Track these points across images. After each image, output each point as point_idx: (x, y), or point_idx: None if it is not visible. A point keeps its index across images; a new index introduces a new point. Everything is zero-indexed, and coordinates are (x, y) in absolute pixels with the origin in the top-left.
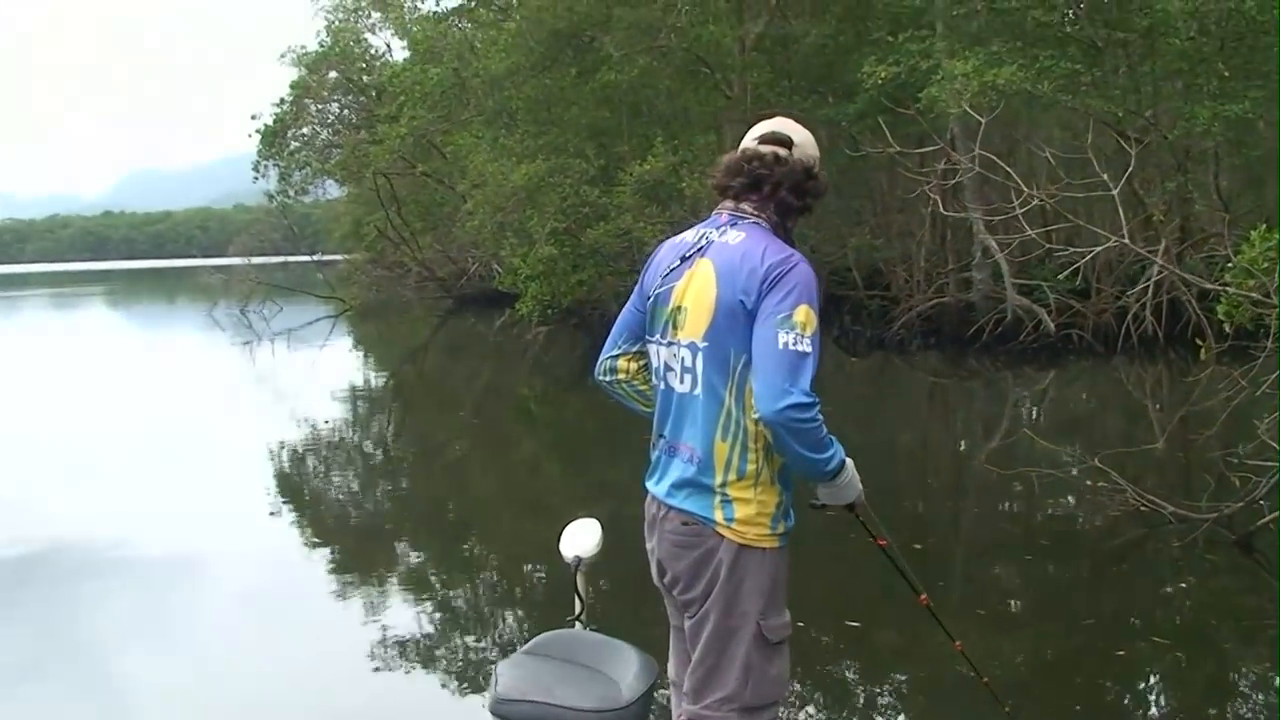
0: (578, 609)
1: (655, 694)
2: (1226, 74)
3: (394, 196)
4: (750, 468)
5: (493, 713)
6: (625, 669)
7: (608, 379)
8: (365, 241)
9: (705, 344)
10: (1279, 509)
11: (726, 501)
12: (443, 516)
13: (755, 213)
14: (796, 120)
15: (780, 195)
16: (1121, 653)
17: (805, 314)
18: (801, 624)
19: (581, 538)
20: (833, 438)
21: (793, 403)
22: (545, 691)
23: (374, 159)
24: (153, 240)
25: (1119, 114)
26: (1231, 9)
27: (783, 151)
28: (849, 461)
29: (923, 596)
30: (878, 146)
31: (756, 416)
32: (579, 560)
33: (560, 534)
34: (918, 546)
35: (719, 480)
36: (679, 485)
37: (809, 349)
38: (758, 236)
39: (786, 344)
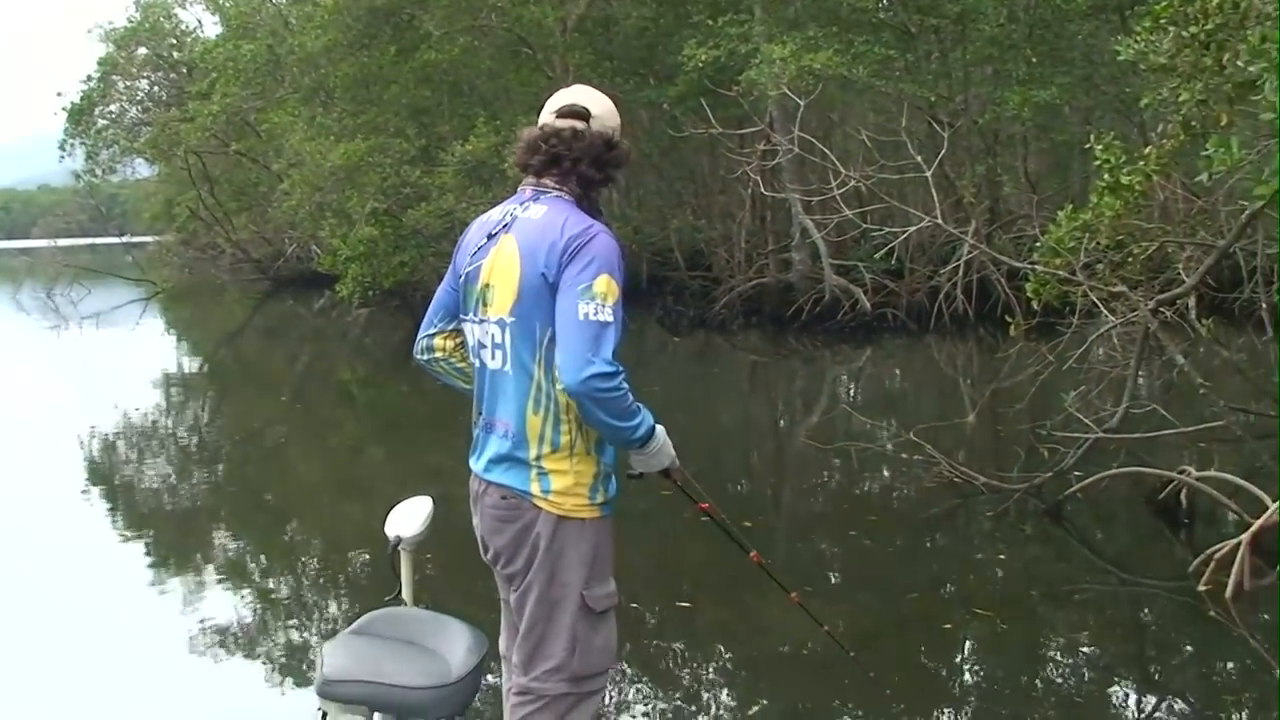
0: (398, 589)
1: (486, 668)
2: (1034, 60)
3: (206, 176)
4: (564, 439)
5: (320, 694)
6: (454, 644)
7: (425, 358)
8: (177, 222)
9: (512, 319)
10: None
11: (543, 474)
12: (262, 503)
13: (557, 186)
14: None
15: (580, 170)
16: (948, 626)
17: (606, 284)
18: (635, 605)
19: (407, 517)
20: (640, 405)
21: (595, 372)
22: (373, 670)
23: (185, 137)
24: None
25: (931, 98)
26: None
27: (580, 125)
28: (660, 428)
29: (753, 554)
30: (699, 128)
31: (560, 387)
32: (399, 539)
33: (387, 514)
34: (747, 524)
35: (534, 453)
36: (496, 460)
37: (610, 318)
38: (558, 209)
39: (587, 314)
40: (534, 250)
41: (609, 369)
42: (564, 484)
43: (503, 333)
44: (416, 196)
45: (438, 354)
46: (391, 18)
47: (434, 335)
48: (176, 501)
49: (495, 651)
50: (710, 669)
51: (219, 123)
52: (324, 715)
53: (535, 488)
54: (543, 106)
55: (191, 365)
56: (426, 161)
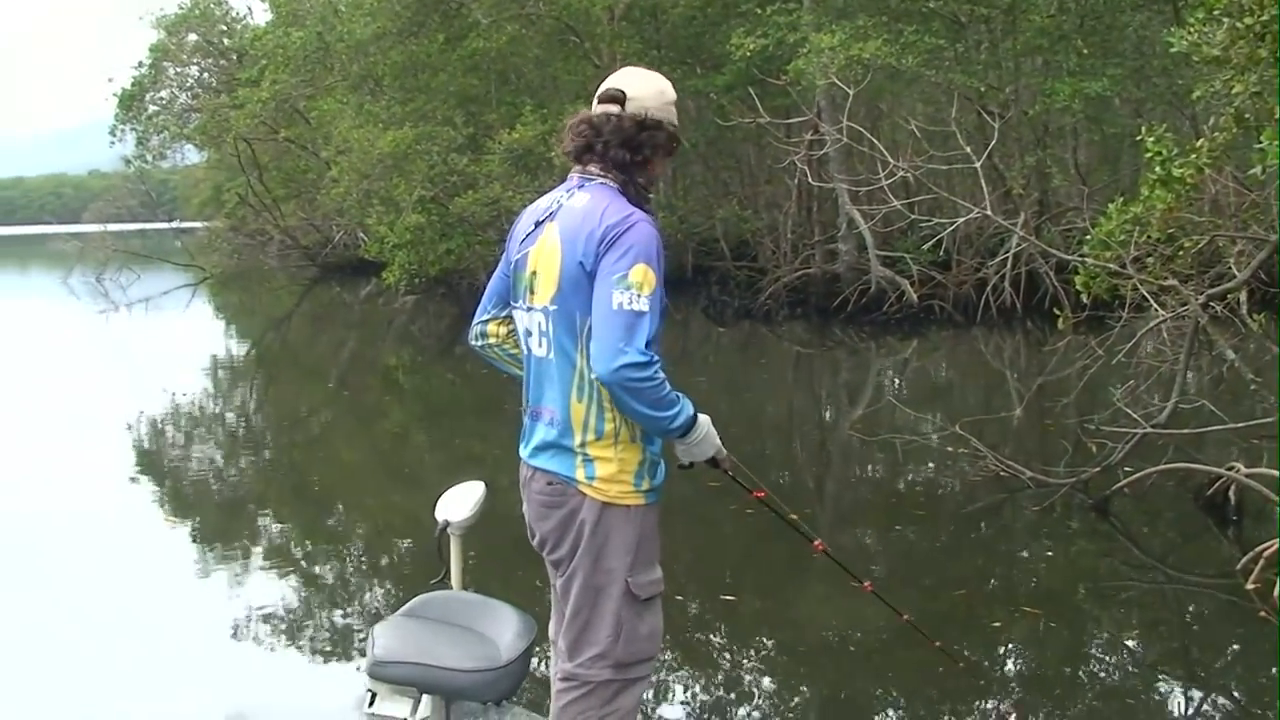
0: (443, 572)
1: (534, 653)
2: (1085, 51)
3: (255, 162)
4: (609, 426)
5: (370, 675)
6: (504, 628)
7: (479, 344)
8: (226, 208)
9: (554, 308)
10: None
11: (588, 460)
12: (308, 488)
13: (601, 173)
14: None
15: (612, 153)
16: (996, 623)
17: (642, 273)
18: (679, 596)
19: (457, 501)
20: (680, 395)
21: (627, 361)
22: (423, 652)
23: (235, 124)
24: (3, 207)
25: (981, 89)
26: None
27: (614, 109)
28: (703, 418)
29: (817, 542)
30: (746, 118)
31: (593, 376)
32: (448, 523)
33: (438, 497)
34: (792, 516)
35: (578, 440)
36: (542, 447)
37: (645, 308)
38: (600, 197)
39: (621, 304)
40: (574, 239)
41: (642, 358)
42: (608, 471)
43: (547, 321)
44: (463, 184)
45: (491, 340)
46: (440, 5)
47: (487, 321)
48: (224, 486)
49: (544, 636)
50: (758, 658)
51: (268, 110)
52: (373, 696)
53: (580, 474)
54: (590, 95)
55: (239, 351)
56: (474, 150)
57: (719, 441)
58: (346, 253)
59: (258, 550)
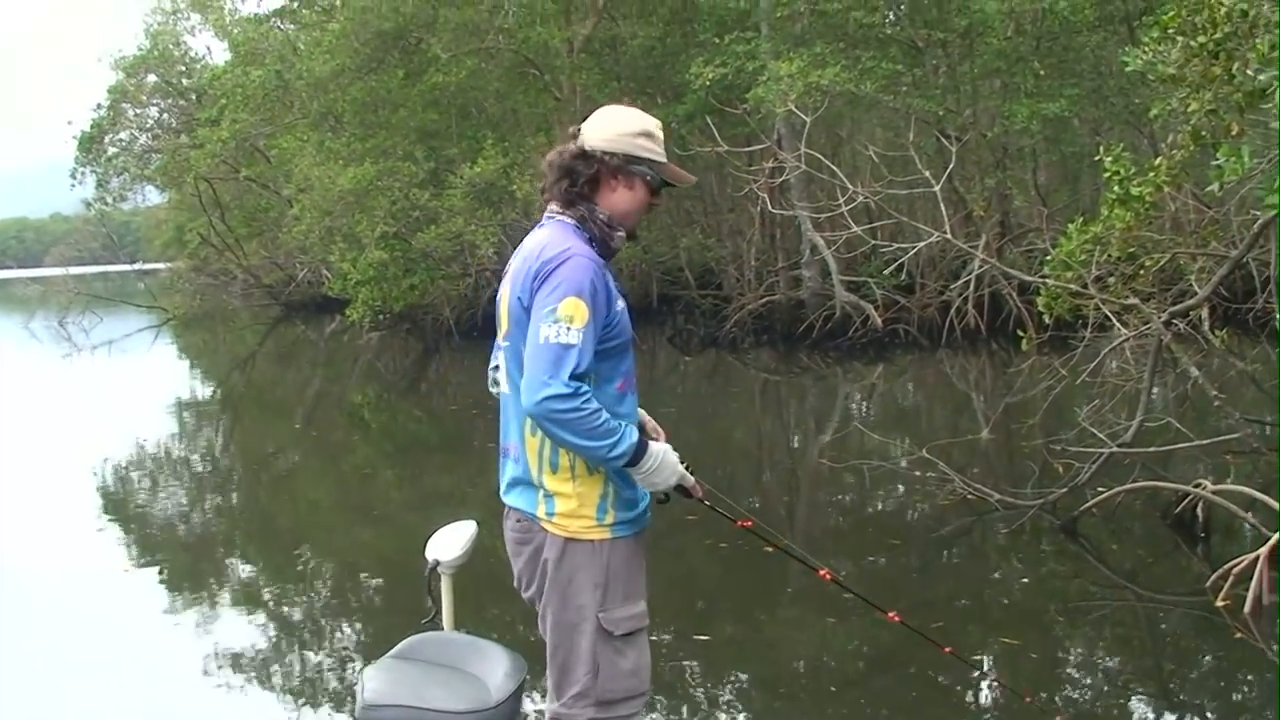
0: (433, 613)
1: (526, 692)
2: (1042, 73)
3: (217, 202)
4: (563, 460)
5: (360, 719)
6: (494, 669)
7: (494, 389)
8: (188, 249)
9: (507, 344)
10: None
11: (548, 496)
12: (273, 530)
13: (560, 210)
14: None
15: (559, 188)
16: (953, 637)
17: (572, 306)
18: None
19: (448, 541)
20: (620, 425)
21: (551, 393)
22: (413, 694)
23: (195, 163)
24: None
25: (940, 113)
26: (1045, 9)
27: (571, 145)
28: (658, 445)
29: (823, 571)
30: (707, 146)
31: (523, 407)
32: (437, 563)
33: (429, 536)
34: (768, 550)
35: (537, 475)
36: (511, 484)
37: (574, 340)
38: (547, 234)
39: (549, 337)
40: (516, 276)
41: (566, 390)
42: (568, 506)
43: (505, 358)
44: (426, 219)
45: (502, 386)
46: (399, 41)
47: (495, 367)
48: (190, 529)
49: (540, 675)
50: (737, 694)
51: (228, 149)
52: None
53: (542, 510)
54: (551, 127)
55: (204, 392)
56: (435, 184)
57: (681, 468)
58: (310, 290)
59: (226, 594)
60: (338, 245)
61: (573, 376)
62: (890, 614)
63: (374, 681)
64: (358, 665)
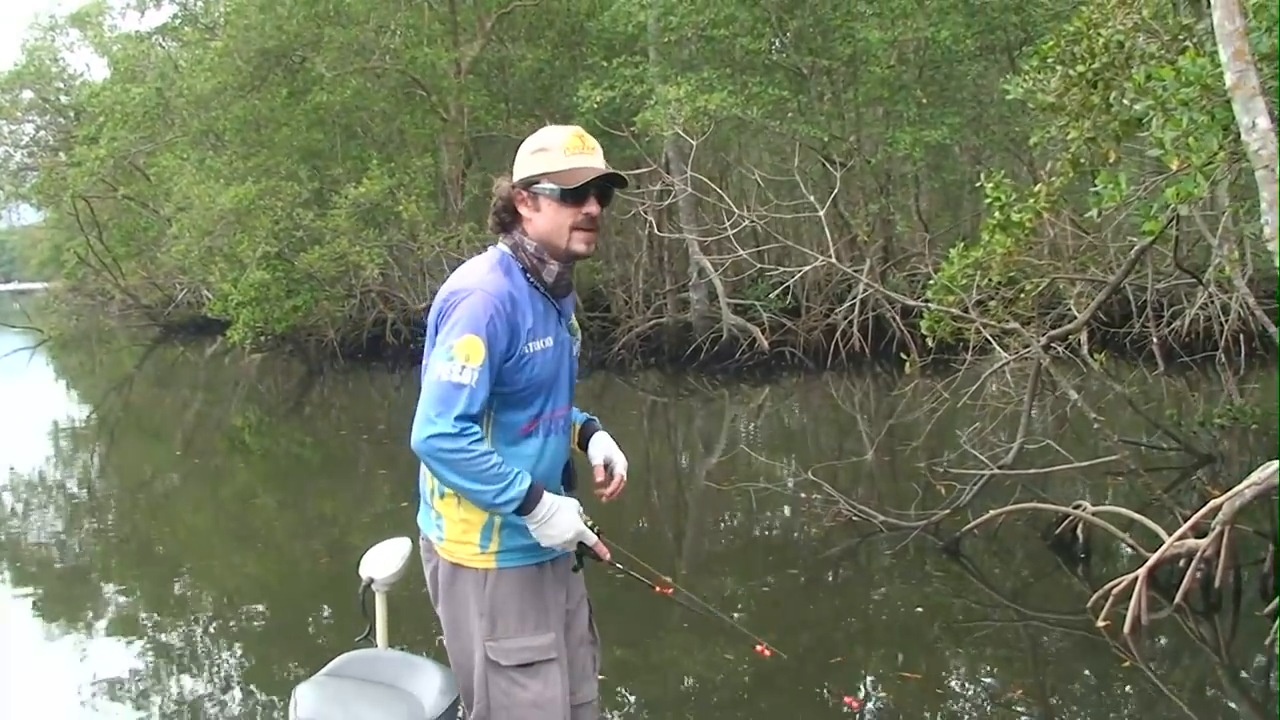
0: (367, 630)
1: (460, 710)
2: (925, 101)
3: (95, 221)
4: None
5: None
6: (428, 686)
7: None
8: (65, 269)
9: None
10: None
11: (439, 517)
12: (151, 555)
13: (501, 239)
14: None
15: (492, 225)
16: (838, 659)
17: (468, 344)
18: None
19: (382, 558)
20: (516, 471)
21: (436, 432)
22: (346, 712)
23: (73, 182)
24: None
25: (825, 139)
26: (928, 39)
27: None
28: (554, 498)
29: (760, 646)
30: None
31: (412, 444)
32: (371, 581)
33: (363, 554)
34: (713, 610)
35: (430, 497)
36: (420, 503)
37: (467, 380)
38: (469, 264)
39: (440, 375)
40: (435, 305)
41: (452, 429)
42: (455, 531)
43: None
44: (309, 240)
45: None
46: (283, 60)
47: None
48: (67, 556)
49: None
50: None
51: (106, 167)
52: None
53: (434, 533)
54: (438, 148)
55: (80, 414)
56: (319, 204)
57: (583, 526)
58: (190, 311)
59: (102, 624)
60: (218, 265)
61: (463, 416)
62: (848, 699)
63: (307, 699)
64: (252, 689)
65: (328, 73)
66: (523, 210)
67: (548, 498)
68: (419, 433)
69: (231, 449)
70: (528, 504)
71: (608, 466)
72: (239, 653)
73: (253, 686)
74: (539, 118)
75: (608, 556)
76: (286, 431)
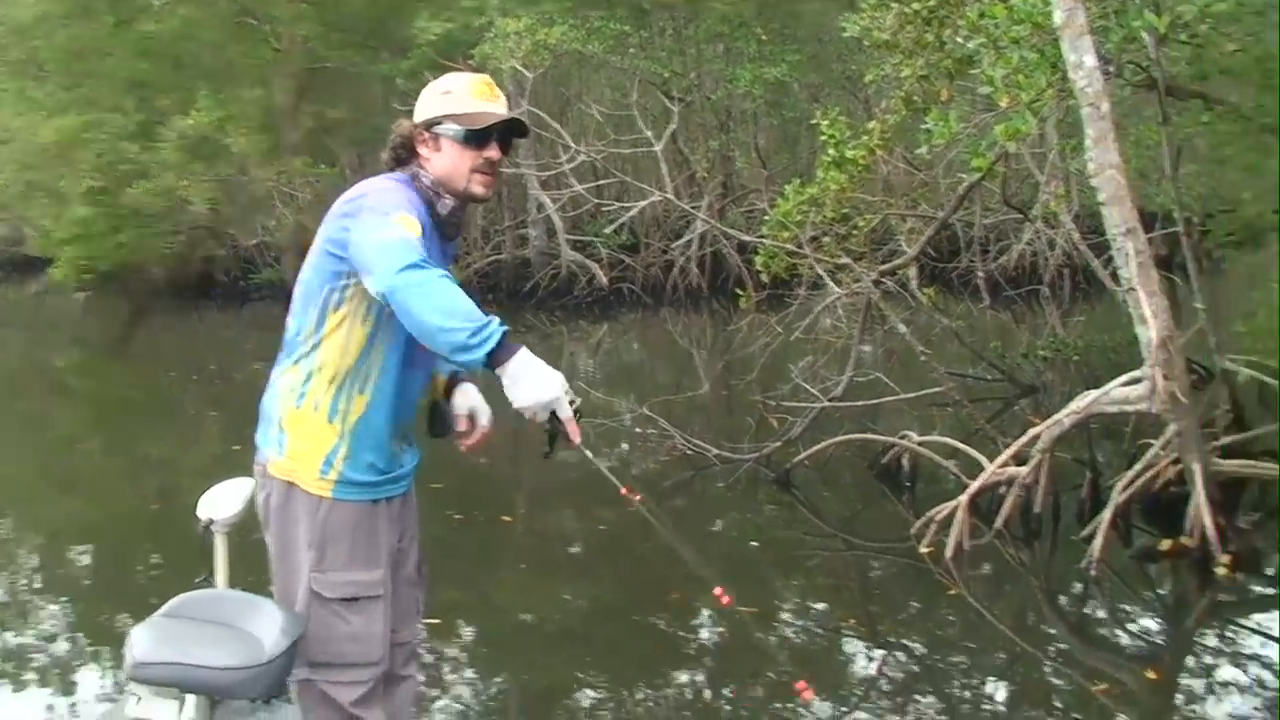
0: (207, 572)
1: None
2: (765, 38)
3: None
4: (310, 400)
5: (131, 678)
6: (268, 625)
7: None
8: None
9: (299, 285)
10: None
11: (281, 432)
12: None
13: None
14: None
15: (386, 161)
16: (676, 595)
17: (404, 220)
18: None
19: (223, 498)
20: (491, 316)
21: (408, 264)
22: (183, 652)
23: None
24: None
25: (665, 75)
26: None
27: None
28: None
29: (720, 592)
30: None
31: (378, 290)
32: (211, 521)
33: (199, 495)
34: (496, 513)
35: (280, 408)
36: (262, 422)
37: (416, 236)
38: (367, 181)
39: (386, 235)
40: (326, 222)
41: (421, 263)
42: (298, 447)
43: (295, 297)
44: (135, 174)
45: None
46: None
47: None
48: None
49: None
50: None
51: None
52: (137, 699)
53: (274, 450)
54: (269, 80)
55: None
56: (145, 137)
57: (562, 392)
58: (11, 249)
59: None
60: (40, 201)
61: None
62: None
63: (141, 640)
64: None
65: (155, 1)
66: (422, 150)
67: (525, 350)
68: (388, 269)
69: (54, 391)
70: (502, 352)
71: (471, 417)
72: (67, 601)
73: (82, 635)
74: (374, 49)
75: (578, 440)
76: (112, 373)
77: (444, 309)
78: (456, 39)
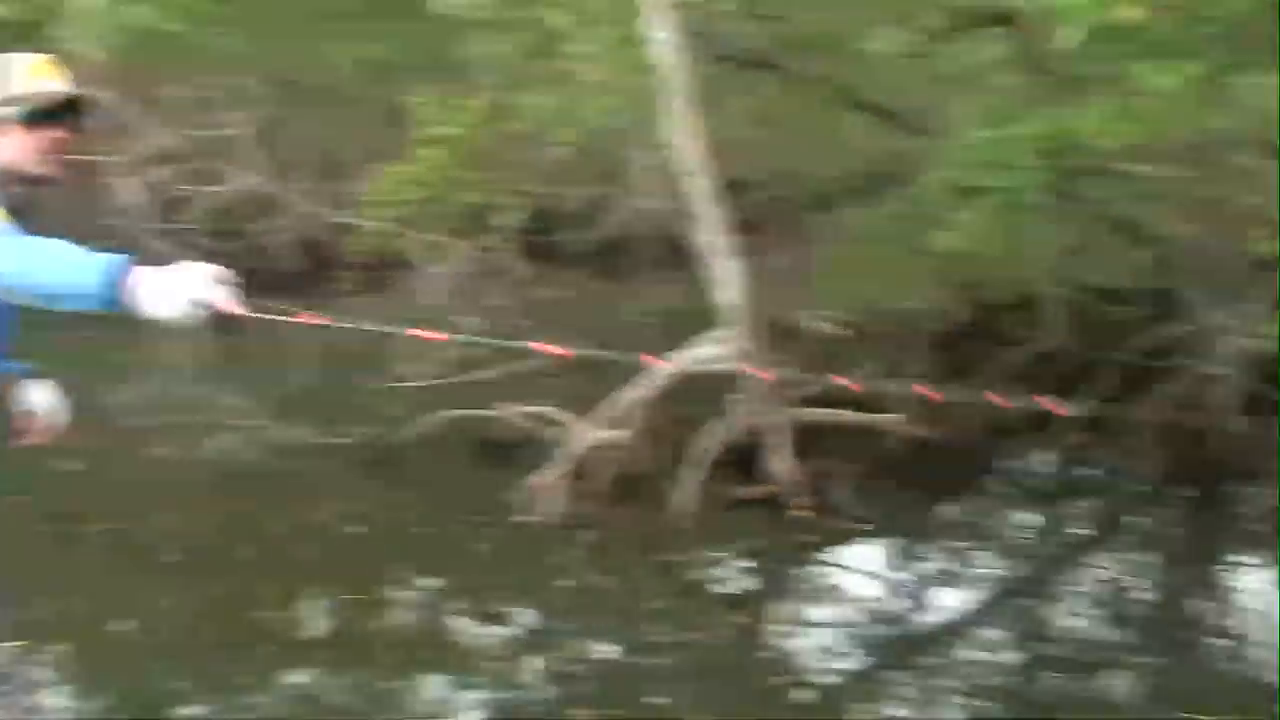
0: None
1: None
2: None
3: None
4: None
5: None
6: None
7: None
8: None
9: None
10: None
11: None
12: None
13: None
14: None
15: None
16: (284, 591)
17: None
18: None
19: None
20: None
21: None
22: None
23: None
24: None
25: (259, 55)
26: None
27: None
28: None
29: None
30: None
31: None
32: None
33: None
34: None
35: None
36: None
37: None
38: None
39: None
40: None
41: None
42: None
43: None
44: None
45: None
46: None
47: None
48: None
49: None
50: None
51: None
52: None
53: None
54: None
55: None
56: None
57: (203, 279)
58: None
59: None
60: None
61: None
62: None
63: None
64: None
65: None
66: None
67: (140, 268)
68: None
69: None
70: (120, 271)
71: (31, 414)
72: None
73: None
74: None
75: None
76: None
77: (44, 269)
78: (30, 20)
